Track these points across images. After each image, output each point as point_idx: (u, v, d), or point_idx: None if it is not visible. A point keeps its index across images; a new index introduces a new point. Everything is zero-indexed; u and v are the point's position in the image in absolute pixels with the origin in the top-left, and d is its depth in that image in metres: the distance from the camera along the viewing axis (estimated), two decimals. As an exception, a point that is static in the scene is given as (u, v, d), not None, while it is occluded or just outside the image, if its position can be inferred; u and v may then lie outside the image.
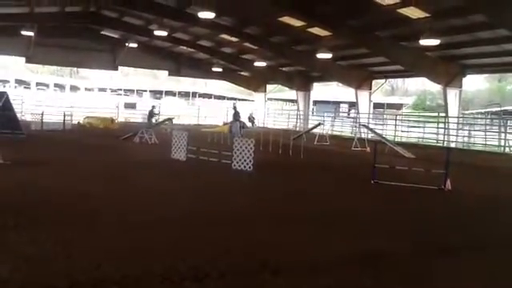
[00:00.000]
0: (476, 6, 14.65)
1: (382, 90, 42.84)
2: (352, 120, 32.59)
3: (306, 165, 13.74)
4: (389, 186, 9.83)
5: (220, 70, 34.84)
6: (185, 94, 53.60)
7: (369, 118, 27.86)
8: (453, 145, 21.94)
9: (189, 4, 21.71)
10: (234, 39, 26.91)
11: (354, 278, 4.43)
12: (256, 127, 32.57)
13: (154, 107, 25.28)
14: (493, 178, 13.00)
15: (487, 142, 22.68)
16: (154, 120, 23.69)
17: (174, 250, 4.91)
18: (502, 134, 21.97)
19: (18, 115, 19.93)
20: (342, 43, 22.33)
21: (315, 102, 39.58)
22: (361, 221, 6.85)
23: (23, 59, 32.89)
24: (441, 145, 22.41)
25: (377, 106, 39.00)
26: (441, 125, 24.53)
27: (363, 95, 28.26)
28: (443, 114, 23.50)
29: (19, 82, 49.00)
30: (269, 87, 38.85)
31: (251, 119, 35.66)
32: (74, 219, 6.03)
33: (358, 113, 28.63)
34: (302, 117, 33.37)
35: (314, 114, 37.70)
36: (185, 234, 5.63)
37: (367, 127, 22.07)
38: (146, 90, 54.88)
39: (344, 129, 31.07)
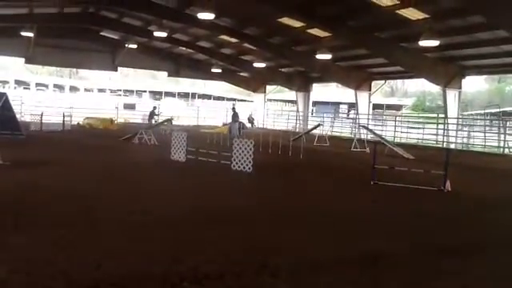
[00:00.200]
0: (475, 7, 14.65)
1: (382, 91, 42.80)
2: (351, 121, 32.60)
3: (305, 165, 13.74)
4: (388, 187, 9.83)
5: (219, 70, 34.83)
6: (184, 95, 53.62)
7: (368, 118, 27.87)
8: (452, 146, 21.96)
9: (188, 5, 21.74)
10: (233, 40, 26.91)
11: (354, 278, 4.43)
12: (255, 128, 32.59)
13: (155, 108, 25.35)
14: (492, 178, 13.00)
15: (486, 143, 22.69)
16: (153, 121, 23.74)
17: (173, 251, 4.91)
18: (502, 135, 21.99)
19: (18, 116, 19.94)
20: (342, 44, 22.33)
21: (315, 103, 39.60)
22: (360, 221, 6.85)
23: (23, 60, 32.90)
24: (440, 146, 22.43)
25: (376, 106, 39.03)
26: (440, 126, 24.54)
27: (363, 96, 28.28)
28: (443, 115, 23.50)
29: (19, 82, 49.00)
30: (268, 88, 38.87)
31: (251, 120, 35.69)
32: (74, 220, 6.03)
33: (357, 114, 28.64)
34: (301, 118, 33.38)
35: (314, 114, 37.72)
36: (184, 235, 5.63)
37: (367, 128, 22.08)
38: (145, 91, 54.90)
39: (343, 130, 31.10)
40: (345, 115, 43.52)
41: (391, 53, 21.14)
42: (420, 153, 18.13)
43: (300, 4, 18.34)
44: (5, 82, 47.54)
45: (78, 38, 31.28)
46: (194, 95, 53.42)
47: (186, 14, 22.67)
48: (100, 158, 13.16)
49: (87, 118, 27.69)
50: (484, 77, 43.22)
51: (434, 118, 32.09)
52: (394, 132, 25.50)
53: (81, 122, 27.01)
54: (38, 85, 50.66)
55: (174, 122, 24.64)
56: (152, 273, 4.25)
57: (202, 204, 7.53)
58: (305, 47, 24.97)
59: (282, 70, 33.18)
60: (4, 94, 17.17)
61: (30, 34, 26.26)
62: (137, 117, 34.45)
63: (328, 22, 19.61)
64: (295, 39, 24.04)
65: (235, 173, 11.22)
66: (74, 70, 54.95)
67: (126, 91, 54.46)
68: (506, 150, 21.09)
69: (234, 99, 48.86)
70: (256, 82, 37.90)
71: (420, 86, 52.42)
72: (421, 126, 28.81)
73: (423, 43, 16.72)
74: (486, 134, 23.57)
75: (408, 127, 27.59)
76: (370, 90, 28.67)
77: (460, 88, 22.64)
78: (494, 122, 27.72)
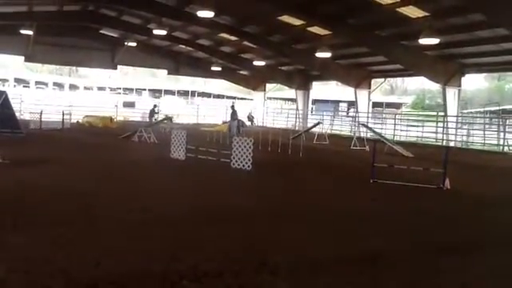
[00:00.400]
0: (475, 5, 14.64)
1: (381, 89, 42.87)
2: (351, 119, 32.58)
3: (305, 164, 13.74)
4: (388, 185, 9.84)
5: (219, 68, 34.82)
6: (184, 93, 53.57)
7: (368, 117, 27.86)
8: (452, 144, 21.97)
9: (188, 3, 21.71)
10: (233, 38, 26.88)
11: (353, 276, 4.44)
12: (255, 126, 32.58)
13: (155, 106, 25.35)
14: (491, 176, 13.02)
15: (486, 141, 22.70)
16: (153, 119, 23.75)
17: (172, 249, 4.91)
18: (501, 133, 22.00)
19: (17, 114, 19.93)
20: (342, 42, 22.32)
21: (314, 101, 39.57)
22: (359, 219, 6.84)
23: (22, 58, 32.86)
24: (440, 144, 22.44)
25: (376, 105, 39.00)
26: (440, 124, 24.56)
27: (362, 94, 28.27)
28: (442, 113, 23.52)
29: (18, 80, 48.94)
30: (268, 86, 38.86)
31: (250, 118, 35.67)
32: (73, 218, 6.04)
33: (357, 112, 28.63)
34: (301, 116, 33.37)
35: (313, 113, 37.70)
36: (183, 233, 5.64)
37: (366, 126, 22.08)
38: (145, 89, 54.84)
39: (343, 128, 31.07)
40: (344, 113, 43.52)
41: (391, 51, 21.13)
42: (419, 151, 18.14)
43: (300, 2, 18.33)
44: (4, 80, 47.50)
45: (77, 36, 31.26)
46: (193, 93, 53.37)
47: (185, 11, 22.65)
48: (99, 156, 13.15)
49: (87, 116, 27.67)
50: (484, 75, 43.33)
51: (433, 116, 32.13)
52: (394, 130, 25.50)
53: (80, 121, 26.99)
54: (37, 83, 50.61)
55: (173, 120, 24.67)
56: (151, 271, 4.26)
57: (201, 202, 7.54)
58: (305, 45, 24.94)
59: (282, 68, 33.17)
60: (3, 92, 17.18)
61: (30, 32, 26.26)
62: (136, 115, 34.43)
63: (328, 20, 19.60)
64: (295, 37, 24.02)
65: (235, 171, 11.22)
66: (74, 68, 54.96)
67: (125, 89, 54.40)
68: (506, 148, 21.09)
69: (234, 97, 48.81)
70: (256, 80, 37.88)
71: (420, 84, 52.47)
72: (420, 124, 28.81)
73: (423, 41, 16.71)
74: (486, 132, 23.60)
75: (407, 125, 27.61)
76: (369, 88, 28.68)
77: (460, 86, 22.65)
78: (493, 120, 27.75)
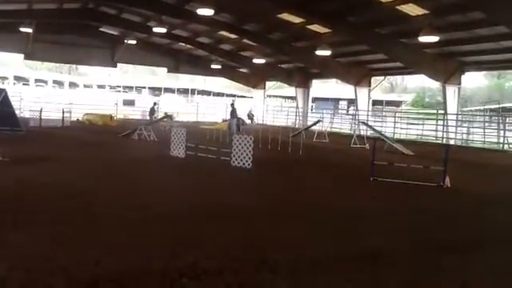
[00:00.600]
0: (475, 3, 14.64)
1: (381, 87, 42.79)
2: (351, 117, 32.57)
3: (304, 162, 13.74)
4: (388, 183, 9.84)
5: (219, 66, 34.81)
6: (184, 91, 53.55)
7: (368, 115, 27.85)
8: (452, 142, 21.98)
9: (188, 1, 21.69)
10: (233, 36, 26.87)
11: (353, 275, 4.44)
12: (255, 124, 32.56)
13: (155, 104, 25.35)
14: (492, 174, 13.02)
15: (486, 139, 22.69)
16: (154, 117, 23.75)
17: (172, 247, 4.91)
18: (501, 131, 22.01)
19: (17, 112, 19.92)
20: (342, 40, 22.30)
21: (314, 99, 39.56)
22: (359, 218, 6.84)
23: (22, 56, 32.82)
24: (440, 142, 22.44)
25: (376, 103, 39.02)
26: (440, 122, 24.56)
27: (362, 92, 28.27)
28: (442, 111, 23.51)
29: (18, 78, 48.86)
30: (268, 84, 38.85)
31: (250, 116, 35.65)
32: (73, 216, 6.04)
33: (356, 110, 28.62)
34: (301, 114, 33.36)
35: (313, 110, 37.69)
36: (183, 231, 5.64)
37: (366, 124, 22.07)
38: (144, 87, 54.79)
39: (343, 126, 31.06)
40: (344, 111, 43.48)
41: (391, 49, 21.12)
42: (419, 149, 18.14)
43: (300, 0, 18.30)
44: (4, 78, 47.43)
45: (77, 34, 31.23)
46: (193, 91, 53.35)
47: (185, 9, 22.63)
48: (99, 154, 13.15)
49: (86, 114, 27.67)
50: (483, 73, 43.36)
51: (433, 114, 32.09)
52: (394, 128, 25.49)
53: (80, 118, 26.99)
54: (37, 81, 50.54)
55: (173, 118, 24.66)
56: (151, 268, 4.26)
57: (201, 200, 7.54)
58: (304, 43, 24.93)
59: (282, 66, 33.15)
60: (3, 90, 17.16)
61: (29, 30, 26.26)
62: (136, 113, 34.41)
63: (328, 18, 19.59)
64: (295, 35, 24.01)
65: (235, 169, 11.22)
66: (74, 66, 54.86)
67: (125, 87, 54.34)
68: (506, 146, 21.10)
69: (234, 95, 48.79)
70: (255, 78, 37.87)
71: (420, 82, 52.47)
72: (420, 122, 28.80)
73: (423, 39, 16.72)
74: (486, 130, 23.58)
75: (407, 123, 27.61)
76: (369, 86, 28.68)
77: (459, 84, 22.64)
78: (493, 118, 27.73)
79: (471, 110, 35.23)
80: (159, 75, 54.32)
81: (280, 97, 51.32)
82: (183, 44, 32.18)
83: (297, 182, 10.07)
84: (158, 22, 24.82)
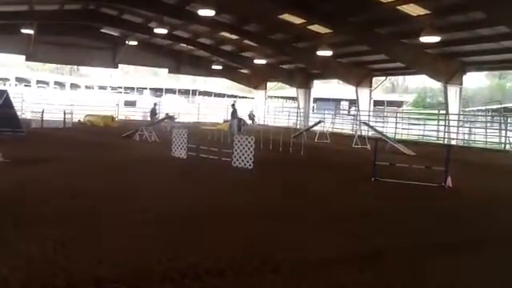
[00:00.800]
0: (476, 3, 14.63)
1: (383, 87, 42.82)
2: (352, 117, 32.56)
3: (306, 162, 13.73)
4: (389, 184, 9.83)
5: (220, 67, 34.83)
6: (185, 92, 53.60)
7: (369, 115, 27.84)
8: (453, 142, 21.91)
9: (189, 1, 21.70)
10: (234, 37, 26.87)
11: (355, 275, 4.43)
12: (256, 125, 32.56)
13: (155, 104, 25.40)
14: (493, 175, 12.99)
15: (488, 140, 22.64)
16: (155, 118, 23.79)
17: (173, 248, 4.90)
18: (503, 132, 21.95)
19: (19, 113, 19.94)
20: (343, 40, 22.29)
21: (315, 100, 39.59)
22: (361, 218, 6.84)
23: (23, 57, 32.86)
24: (441, 142, 22.40)
25: (377, 103, 38.98)
26: (441, 122, 24.51)
27: (363, 93, 28.23)
28: (444, 112, 23.48)
29: (19, 80, 49.01)
30: (269, 85, 38.84)
31: (251, 117, 35.66)
32: (74, 217, 6.04)
33: (358, 110, 28.61)
34: (302, 114, 33.35)
35: (315, 111, 37.67)
36: (185, 232, 5.63)
37: (367, 125, 22.05)
38: (146, 88, 54.87)
39: (344, 126, 31.03)
40: (346, 112, 43.46)
41: (392, 49, 21.10)
42: (421, 149, 18.13)
43: (301, 0, 18.30)
44: (5, 80, 47.54)
45: (78, 35, 31.27)
46: (194, 92, 53.39)
47: (186, 10, 22.66)
48: (101, 155, 13.15)
49: (88, 115, 27.70)
50: (485, 73, 43.28)
51: (435, 114, 32.08)
52: (395, 128, 25.48)
53: (82, 120, 27.02)
54: (38, 82, 50.66)
55: (175, 119, 24.67)
56: (153, 270, 4.25)
57: (202, 201, 7.53)
58: (305, 44, 24.92)
59: (283, 66, 33.14)
60: (5, 91, 17.19)
61: (31, 31, 26.31)
62: (137, 114, 34.43)
63: (329, 19, 19.59)
64: (296, 36, 24.01)
65: (236, 169, 11.22)
66: (75, 67, 54.99)
67: (126, 88, 54.43)
68: (508, 146, 21.04)
69: (235, 96, 48.83)
70: (257, 79, 37.86)
71: (421, 83, 52.45)
72: (422, 122, 28.80)
73: (424, 39, 16.69)
74: (488, 131, 23.53)
75: (409, 123, 27.58)
76: (370, 87, 28.65)
77: (461, 84, 22.60)
78: (495, 118, 27.70)
79: (473, 111, 35.19)
80: (160, 76, 54.39)
81: (281, 97, 51.34)
82: (184, 45, 32.20)
83: (298, 183, 10.05)
84: (159, 22, 24.85)
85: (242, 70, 37.35)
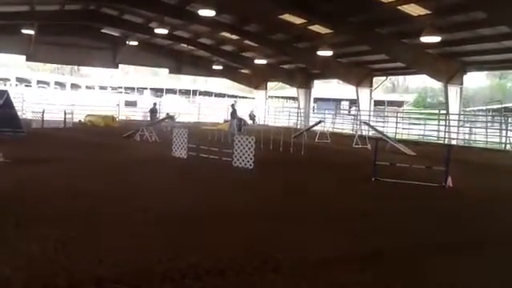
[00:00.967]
0: (477, 3, 14.63)
1: (383, 87, 42.79)
2: (353, 117, 32.55)
3: (306, 162, 13.74)
4: (390, 184, 9.83)
5: (220, 67, 34.83)
6: (185, 92, 53.61)
7: (369, 115, 27.83)
8: (454, 142, 21.90)
9: (189, 2, 21.71)
10: (234, 37, 26.87)
11: (355, 275, 4.43)
12: (257, 125, 32.56)
13: (155, 104, 25.44)
14: (494, 175, 12.99)
15: (488, 139, 22.64)
16: (157, 116, 23.82)
17: (174, 248, 4.91)
18: (503, 131, 21.95)
19: (19, 113, 19.95)
20: (343, 40, 22.30)
21: (316, 100, 39.58)
22: (361, 218, 6.84)
23: (24, 57, 32.88)
24: (442, 142, 22.40)
25: (377, 103, 38.93)
26: (442, 122, 24.51)
27: (364, 92, 28.23)
28: (444, 112, 23.47)
29: (20, 80, 49.03)
30: (269, 85, 38.84)
31: (252, 117, 35.66)
32: (75, 217, 6.04)
33: (358, 110, 28.60)
34: (302, 114, 33.35)
35: (315, 111, 37.66)
36: (185, 232, 5.64)
37: (368, 124, 22.05)
38: (146, 88, 54.88)
39: (345, 126, 31.03)
40: (346, 112, 43.45)
41: (392, 49, 21.10)
42: (421, 149, 18.13)
43: (301, 1, 18.31)
44: (6, 80, 47.56)
45: (78, 36, 31.28)
46: (195, 92, 53.40)
47: (186, 10, 22.66)
48: (101, 155, 13.16)
49: (88, 115, 27.71)
50: (485, 73, 43.20)
51: (435, 114, 32.07)
52: (396, 128, 25.47)
53: (82, 120, 27.03)
54: (39, 82, 50.68)
55: (175, 119, 24.68)
56: (153, 269, 4.26)
57: (203, 201, 7.54)
58: (306, 44, 24.93)
59: (284, 66, 33.14)
60: (5, 91, 17.20)
61: (31, 32, 26.33)
62: (138, 114, 34.45)
63: (329, 19, 19.59)
64: (296, 36, 24.01)
65: (236, 169, 11.22)
66: (75, 67, 55.00)
67: (127, 88, 54.44)
68: (508, 146, 21.03)
69: (236, 96, 48.83)
70: (257, 79, 37.86)
71: (421, 82, 52.38)
72: (422, 122, 28.79)
73: (425, 39, 16.69)
74: (488, 130, 23.52)
75: (409, 123, 27.58)
76: (371, 87, 28.65)
77: (461, 84, 22.60)
78: (495, 118, 27.68)
79: (473, 110, 35.17)
80: (161, 76, 54.37)
81: (282, 97, 51.32)
82: (185, 45, 32.21)
83: (299, 183, 10.05)
84: (159, 23, 24.85)
85: (242, 70, 37.36)
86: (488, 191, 9.81)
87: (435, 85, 40.20)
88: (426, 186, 9.63)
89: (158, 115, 25.42)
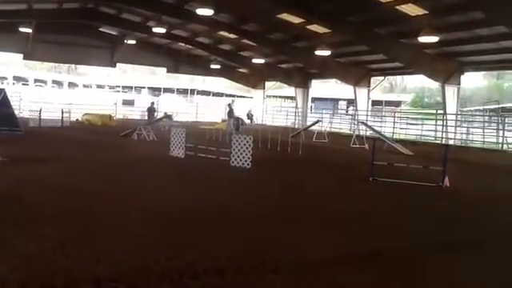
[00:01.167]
0: (475, 3, 14.65)
1: (381, 87, 42.73)
2: (350, 117, 32.57)
3: (304, 162, 13.75)
4: (387, 183, 9.84)
5: (218, 66, 34.80)
6: (183, 91, 53.52)
7: (367, 115, 27.84)
8: (451, 142, 21.95)
9: (187, 1, 21.68)
10: (232, 36, 26.86)
11: (353, 275, 4.44)
12: (254, 124, 32.56)
13: (153, 103, 25.40)
14: (491, 175, 13.03)
15: (485, 139, 22.68)
16: (155, 115, 23.78)
17: (172, 247, 4.91)
18: (500, 131, 21.99)
19: (16, 112, 19.90)
20: (341, 40, 22.30)
21: (314, 99, 39.54)
22: (359, 218, 6.85)
23: (21, 56, 32.77)
24: (439, 142, 22.44)
25: (375, 103, 38.95)
26: (439, 122, 24.54)
27: (362, 92, 28.25)
28: (441, 111, 23.51)
29: (17, 78, 48.80)
30: (267, 84, 38.83)
31: (249, 116, 35.65)
32: (73, 216, 6.04)
33: (356, 110, 28.62)
34: (300, 114, 33.36)
35: (313, 111, 37.67)
36: (183, 231, 5.64)
37: (366, 124, 22.07)
38: (144, 87, 54.76)
39: (342, 126, 31.04)
40: (344, 111, 43.49)
41: (390, 49, 21.12)
42: (419, 149, 18.17)
43: (299, 0, 18.30)
44: (3, 78, 47.38)
45: (76, 34, 31.20)
46: (193, 91, 53.31)
47: (184, 9, 22.63)
48: (98, 154, 13.14)
49: (86, 114, 27.66)
50: (483, 73, 43.30)
51: (432, 114, 32.08)
52: (393, 128, 25.48)
53: (79, 118, 26.98)
54: (36, 81, 50.49)
55: (173, 118, 24.66)
56: (151, 268, 4.26)
57: (200, 200, 7.54)
58: (304, 43, 24.93)
59: (281, 66, 33.14)
60: (2, 89, 17.16)
61: (29, 30, 26.24)
62: (136, 113, 34.39)
63: (328, 18, 19.59)
64: (294, 35, 24.01)
65: (234, 169, 11.22)
66: (73, 66, 54.83)
67: (124, 87, 54.30)
68: (505, 146, 21.10)
69: (233, 95, 48.74)
70: (255, 78, 37.85)
71: (419, 82, 52.44)
72: (420, 122, 28.81)
73: (422, 39, 16.71)
74: (485, 130, 23.58)
75: (407, 123, 27.60)
76: (369, 86, 28.66)
77: (459, 84, 22.63)
78: (492, 118, 27.73)
79: (470, 110, 35.25)
80: (158, 75, 54.25)
81: (279, 97, 51.30)
82: (183, 44, 32.17)
83: (296, 182, 10.07)
84: (157, 21, 24.84)
85: (240, 70, 37.33)
86: (485, 191, 9.84)
87: (433, 85, 40.26)
88: (424, 186, 9.65)
89: (156, 114, 25.38)
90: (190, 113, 36.69)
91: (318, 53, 21.91)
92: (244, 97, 48.28)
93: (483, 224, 7.03)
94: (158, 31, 24.91)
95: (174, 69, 37.47)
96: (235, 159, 11.52)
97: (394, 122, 26.29)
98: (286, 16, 20.71)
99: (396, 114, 29.56)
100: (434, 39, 16.65)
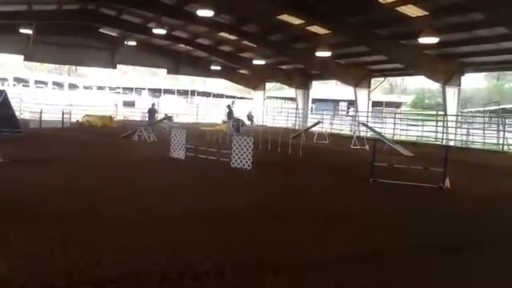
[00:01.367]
0: (475, 4, 14.64)
1: (381, 88, 42.79)
2: (351, 118, 32.58)
3: (304, 163, 13.74)
4: (387, 184, 9.83)
5: (219, 68, 34.78)
6: (183, 92, 53.52)
7: (368, 116, 27.85)
8: (451, 143, 21.95)
9: (187, 2, 21.69)
10: (232, 37, 26.86)
11: (354, 276, 4.44)
12: (255, 125, 32.56)
13: (153, 105, 25.44)
14: (491, 176, 13.01)
15: (486, 141, 22.67)
16: (156, 116, 23.81)
17: (172, 248, 4.90)
18: (501, 133, 21.99)
19: (17, 113, 19.91)
20: (341, 41, 22.30)
21: (314, 100, 39.58)
22: (360, 219, 6.85)
23: (21, 57, 32.76)
24: (439, 143, 22.44)
25: (376, 104, 38.94)
26: (439, 123, 24.55)
27: (362, 93, 28.24)
28: (442, 113, 23.52)
29: (18, 80, 48.87)
30: (268, 85, 38.83)
31: (250, 117, 35.65)
32: (73, 217, 6.03)
33: (356, 111, 28.62)
34: (300, 115, 33.35)
35: (313, 112, 37.68)
36: (184, 232, 5.63)
37: (366, 125, 22.07)
38: (144, 88, 54.78)
39: (343, 127, 31.06)
40: (344, 112, 43.48)
41: (391, 50, 21.12)
42: (419, 150, 18.15)
43: (300, 1, 18.31)
44: (4, 80, 47.44)
45: (77, 36, 31.21)
46: (193, 92, 53.33)
47: (185, 10, 22.63)
48: (99, 155, 13.14)
49: (86, 115, 27.65)
50: (483, 74, 43.31)
51: (433, 115, 32.10)
52: (394, 129, 25.48)
53: (80, 120, 26.98)
54: (37, 82, 50.54)
55: (173, 120, 24.66)
56: (152, 270, 4.25)
57: (201, 201, 7.53)
58: (304, 44, 24.93)
59: (282, 67, 33.15)
60: (3, 91, 17.15)
61: (29, 31, 26.25)
62: (136, 114, 34.40)
63: (328, 19, 19.59)
64: (295, 36, 24.01)
65: (234, 170, 11.22)
66: (73, 67, 54.91)
67: (125, 89, 54.33)
68: (506, 147, 21.10)
69: (234, 97, 48.75)
70: (255, 80, 37.86)
71: (419, 84, 52.44)
72: (420, 123, 28.79)
73: (423, 40, 16.72)
74: (486, 132, 23.57)
75: (407, 124, 27.60)
76: (369, 88, 28.65)
77: (459, 85, 22.63)
78: (493, 119, 27.70)
79: (471, 112, 35.23)
80: (159, 76, 54.29)
81: (280, 98, 51.31)
82: (183, 45, 32.15)
83: (297, 183, 10.06)
84: (157, 23, 24.83)
85: (240, 71, 37.33)
86: (486, 192, 9.83)
87: (433, 86, 40.35)
88: (424, 187, 9.65)
89: (156, 115, 25.39)
90: (190, 114, 36.70)
91: (319, 54, 21.90)
92: (244, 98, 48.27)
93: (484, 225, 7.02)
94: (158, 32, 24.92)
95: (174, 70, 37.48)
96: (236, 160, 11.52)
97: (395, 123, 26.29)
98: (286, 17, 20.72)
99: (396, 115, 29.54)
100: (434, 40, 16.65)
